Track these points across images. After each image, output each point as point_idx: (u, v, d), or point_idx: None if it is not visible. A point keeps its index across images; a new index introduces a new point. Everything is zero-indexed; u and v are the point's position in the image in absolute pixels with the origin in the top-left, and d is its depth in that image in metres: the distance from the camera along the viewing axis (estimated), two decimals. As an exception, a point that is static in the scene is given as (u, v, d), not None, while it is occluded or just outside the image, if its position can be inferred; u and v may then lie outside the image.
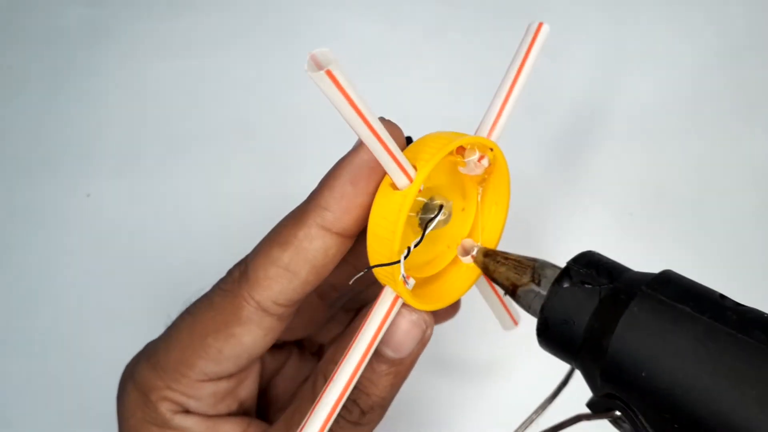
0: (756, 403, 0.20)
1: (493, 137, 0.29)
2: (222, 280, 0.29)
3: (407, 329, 0.28)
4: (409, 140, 0.29)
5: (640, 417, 0.23)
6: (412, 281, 0.27)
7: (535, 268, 0.27)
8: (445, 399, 0.48)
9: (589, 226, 0.52)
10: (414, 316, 0.28)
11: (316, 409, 0.26)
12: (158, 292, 0.48)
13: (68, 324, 0.51)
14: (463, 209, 0.30)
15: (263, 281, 0.27)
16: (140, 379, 0.30)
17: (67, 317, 0.51)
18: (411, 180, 0.25)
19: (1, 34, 0.62)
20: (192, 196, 0.54)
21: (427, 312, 0.28)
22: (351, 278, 0.29)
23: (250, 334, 0.28)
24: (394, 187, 0.25)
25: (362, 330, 0.27)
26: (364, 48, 0.59)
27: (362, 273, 0.27)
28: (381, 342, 0.27)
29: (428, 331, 0.29)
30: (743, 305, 0.23)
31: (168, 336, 0.30)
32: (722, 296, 0.23)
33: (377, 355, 0.28)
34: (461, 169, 0.28)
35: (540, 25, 0.29)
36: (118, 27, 0.62)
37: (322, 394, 0.26)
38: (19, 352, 0.50)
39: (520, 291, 0.27)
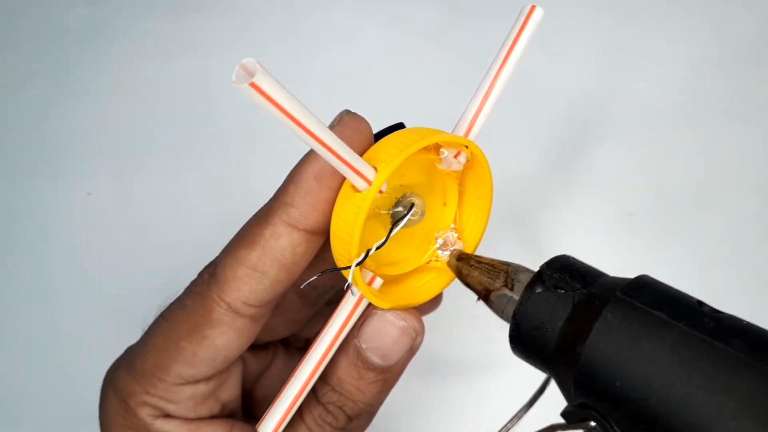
0: (733, 415, 0.19)
1: (474, 131, 0.27)
2: (193, 283, 0.29)
3: (396, 338, 0.27)
4: (401, 126, 0.28)
5: (615, 428, 0.22)
6: (378, 281, 0.26)
7: (508, 272, 0.26)
8: (434, 396, 0.47)
9: (589, 226, 0.51)
10: (403, 324, 0.27)
11: (275, 404, 0.26)
12: (158, 290, 0.47)
13: (67, 322, 0.51)
14: (444, 204, 0.29)
15: (231, 282, 0.26)
16: (119, 385, 0.29)
17: (66, 315, 0.51)
18: (370, 183, 0.24)
19: (2, 33, 0.62)
20: (192, 195, 0.54)
21: (417, 320, 0.28)
22: (331, 280, 0.28)
23: (222, 336, 0.27)
24: (354, 188, 0.25)
25: (326, 328, 0.26)
26: (364, 48, 0.59)
27: (314, 278, 0.27)
28: (369, 350, 0.27)
29: (418, 340, 0.28)
30: (721, 312, 0.22)
31: (144, 341, 0.29)
32: (700, 302, 0.22)
33: (365, 363, 0.27)
34: (440, 165, 0.27)
35: (532, 8, 0.27)
36: (119, 27, 0.61)
37: (283, 389, 0.26)
38: (18, 350, 0.50)
39: (493, 296, 0.26)
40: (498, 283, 0.26)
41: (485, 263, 0.27)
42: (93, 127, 0.58)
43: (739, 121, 0.54)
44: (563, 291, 0.24)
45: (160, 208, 0.54)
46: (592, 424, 0.23)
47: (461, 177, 0.29)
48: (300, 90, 0.58)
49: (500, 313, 0.26)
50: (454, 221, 0.30)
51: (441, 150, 0.27)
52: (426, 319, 0.29)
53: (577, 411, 0.23)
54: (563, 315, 0.23)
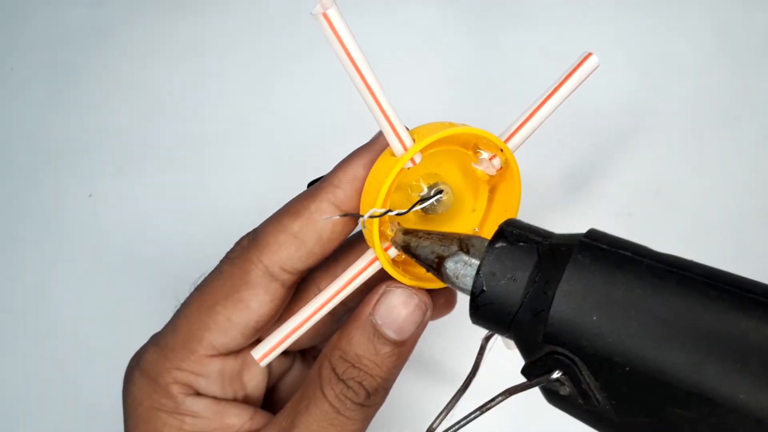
0: (707, 342, 0.21)
1: (510, 144, 0.29)
2: (230, 251, 0.31)
3: (409, 313, 0.29)
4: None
5: (584, 372, 0.23)
6: (393, 251, 0.29)
7: (461, 239, 0.26)
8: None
9: (588, 227, 0.52)
10: (415, 299, 0.29)
11: (272, 334, 0.30)
12: (159, 292, 0.48)
13: (69, 324, 0.52)
14: (473, 210, 0.32)
15: (273, 246, 0.29)
16: (147, 365, 0.30)
17: (68, 317, 0.52)
18: (406, 149, 0.26)
19: (2, 34, 0.62)
20: (193, 196, 0.55)
21: (427, 296, 0.30)
22: (359, 295, 0.30)
23: (257, 299, 0.30)
24: (392, 154, 0.27)
25: (340, 276, 0.29)
26: (363, 48, 0.59)
27: (335, 217, 0.29)
28: (385, 325, 0.29)
29: (428, 314, 0.30)
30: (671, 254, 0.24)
31: (176, 317, 0.31)
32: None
33: (381, 338, 0.29)
34: (475, 165, 0.30)
35: (588, 55, 0.29)
36: (120, 28, 0.62)
37: (284, 322, 0.30)
38: (20, 351, 0.51)
39: (447, 261, 0.26)
40: (453, 248, 0.26)
41: (435, 234, 0.27)
42: (94, 128, 0.58)
43: (739, 121, 0.54)
44: (526, 244, 0.25)
45: (161, 210, 0.55)
46: (556, 375, 0.24)
47: (493, 187, 0.31)
48: (300, 90, 0.57)
49: (455, 279, 0.26)
50: (479, 226, 0.32)
51: (479, 151, 0.29)
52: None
53: (543, 360, 0.23)
54: (530, 264, 0.24)
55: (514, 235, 0.25)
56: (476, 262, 0.25)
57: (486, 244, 0.25)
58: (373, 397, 0.29)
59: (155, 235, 0.54)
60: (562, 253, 0.23)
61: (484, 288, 0.25)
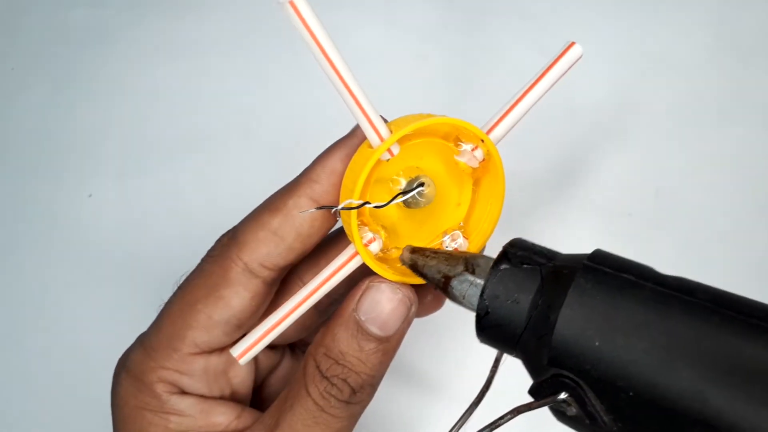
0: (712, 361, 0.21)
1: (492, 136, 0.29)
2: (211, 248, 0.31)
3: (393, 308, 0.29)
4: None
5: (589, 395, 0.23)
6: (375, 246, 0.28)
7: (467, 258, 0.27)
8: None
9: (588, 227, 0.52)
10: (399, 294, 0.29)
11: (251, 332, 0.30)
12: (159, 292, 0.49)
13: (68, 324, 0.52)
14: (458, 204, 0.31)
15: (252, 243, 0.29)
16: (132, 365, 0.31)
17: (67, 317, 0.52)
18: (382, 140, 0.26)
19: (3, 34, 0.63)
20: (193, 196, 0.56)
21: (411, 291, 0.29)
22: (344, 288, 0.30)
23: (237, 296, 0.30)
24: (370, 146, 0.26)
25: (321, 271, 0.29)
26: (364, 49, 0.59)
27: (312, 210, 0.29)
28: (368, 321, 0.28)
29: (413, 309, 0.29)
30: (673, 275, 0.24)
31: (159, 316, 0.31)
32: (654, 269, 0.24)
33: (365, 334, 0.28)
34: (457, 158, 0.29)
35: (571, 44, 0.28)
36: (122, 28, 0.62)
37: (263, 320, 0.30)
38: (18, 350, 0.51)
39: (453, 281, 0.26)
40: (459, 269, 0.26)
41: (442, 253, 0.27)
42: (94, 128, 0.59)
43: (738, 121, 0.54)
44: (529, 266, 0.25)
45: (161, 210, 0.55)
46: (562, 396, 0.24)
47: (477, 180, 0.30)
48: (301, 90, 0.57)
49: (461, 299, 0.26)
50: (464, 221, 0.31)
51: (460, 143, 0.28)
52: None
53: (548, 382, 0.24)
54: (533, 287, 0.24)
55: (518, 256, 0.25)
56: (481, 282, 0.26)
57: (491, 264, 0.26)
58: (359, 394, 0.29)
59: (155, 235, 0.54)
60: (565, 276, 0.23)
61: (489, 310, 0.25)
